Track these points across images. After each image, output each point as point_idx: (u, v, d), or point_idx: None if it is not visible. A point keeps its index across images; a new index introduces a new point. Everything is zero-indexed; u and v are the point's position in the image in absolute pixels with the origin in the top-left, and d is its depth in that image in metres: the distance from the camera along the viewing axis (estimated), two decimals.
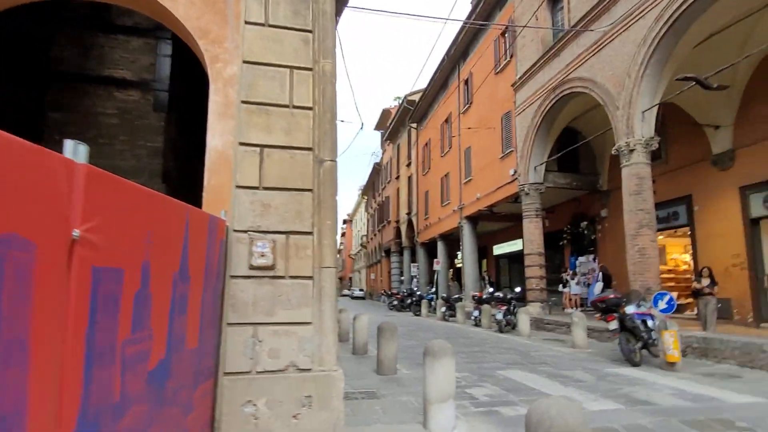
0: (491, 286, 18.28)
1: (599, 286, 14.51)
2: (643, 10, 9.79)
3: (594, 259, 15.90)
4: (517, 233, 21.71)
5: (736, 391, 5.65)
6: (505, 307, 12.83)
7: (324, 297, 4.03)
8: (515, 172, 15.45)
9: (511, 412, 4.88)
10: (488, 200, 17.79)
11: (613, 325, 7.60)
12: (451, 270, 27.68)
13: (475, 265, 20.10)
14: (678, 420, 4.46)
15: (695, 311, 10.19)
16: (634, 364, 7.44)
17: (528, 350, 9.28)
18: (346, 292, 65.98)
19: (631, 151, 10.05)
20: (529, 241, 14.56)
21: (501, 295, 13.01)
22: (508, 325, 13.04)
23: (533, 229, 14.55)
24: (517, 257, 22.70)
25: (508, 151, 16.05)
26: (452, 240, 25.51)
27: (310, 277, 4.01)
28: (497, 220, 20.47)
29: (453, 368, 4.24)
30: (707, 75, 8.57)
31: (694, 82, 8.56)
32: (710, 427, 4.24)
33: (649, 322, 8.03)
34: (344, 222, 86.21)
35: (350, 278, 76.00)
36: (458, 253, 30.01)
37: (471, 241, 20.13)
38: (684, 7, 8.77)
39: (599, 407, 4.96)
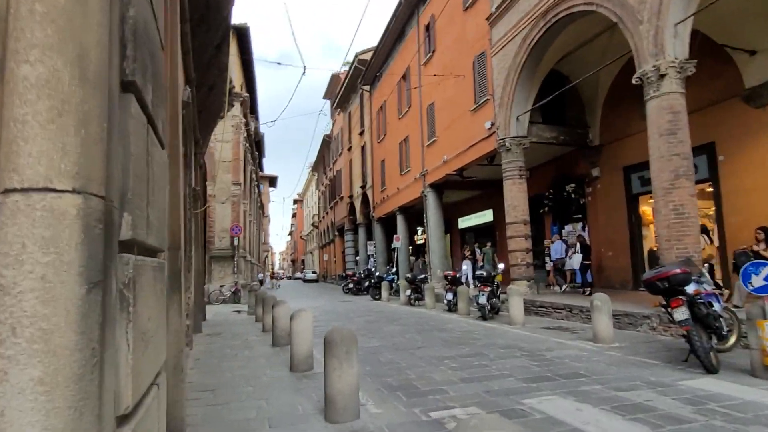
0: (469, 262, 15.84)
1: (577, 258, 12.31)
2: None
3: (583, 227, 13.64)
4: (486, 203, 19.36)
5: None
6: (488, 289, 10.26)
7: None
8: (492, 124, 12.80)
9: None
10: (457, 162, 15.12)
11: (681, 313, 5.06)
12: (410, 248, 25.13)
13: (442, 239, 17.53)
14: None
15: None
16: (712, 370, 4.97)
17: (537, 348, 6.70)
18: (298, 275, 62.78)
19: (661, 77, 7.53)
20: (511, 207, 12.02)
21: (483, 273, 10.44)
22: (493, 310, 10.52)
23: (516, 192, 12.00)
24: (485, 230, 20.39)
25: (483, 100, 13.36)
26: (413, 213, 22.87)
27: None
28: (466, 187, 17.92)
29: None
30: None
31: None
32: None
33: (715, 305, 5.61)
34: (294, 202, 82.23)
35: (302, 260, 72.66)
36: (419, 228, 27.55)
37: (437, 213, 17.51)
38: None
39: None
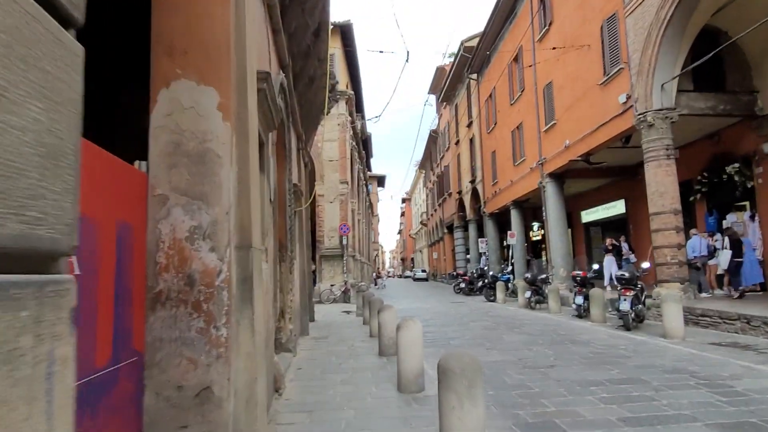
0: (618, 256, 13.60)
1: (726, 256, 9.87)
2: None
3: (752, 217, 11.02)
4: (617, 192, 16.95)
5: None
6: (632, 293, 8.52)
7: None
8: (628, 97, 10.83)
9: None
10: (582, 147, 13.22)
11: None
12: (525, 245, 23.16)
13: (564, 235, 15.62)
14: None
15: None
16: None
17: (716, 375, 5.07)
18: (408, 273, 62.77)
19: None
20: (657, 194, 10.00)
21: (626, 274, 8.70)
22: (637, 319, 8.76)
23: (663, 177, 9.96)
24: (614, 224, 17.95)
25: (615, 70, 11.41)
26: (528, 207, 21.04)
27: None
28: (592, 175, 15.79)
29: None
30: None
31: None
32: None
33: None
34: (403, 201, 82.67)
35: (412, 259, 72.68)
36: (534, 224, 25.42)
37: (557, 205, 15.63)
38: None
39: None
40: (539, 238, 26.26)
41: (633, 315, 8.52)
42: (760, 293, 10.33)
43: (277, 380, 4.75)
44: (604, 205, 18.15)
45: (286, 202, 7.07)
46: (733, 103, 10.61)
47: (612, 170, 15.62)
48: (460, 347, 7.49)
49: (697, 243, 10.93)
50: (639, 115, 10.26)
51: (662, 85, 9.98)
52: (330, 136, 19.11)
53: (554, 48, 13.61)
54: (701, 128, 11.68)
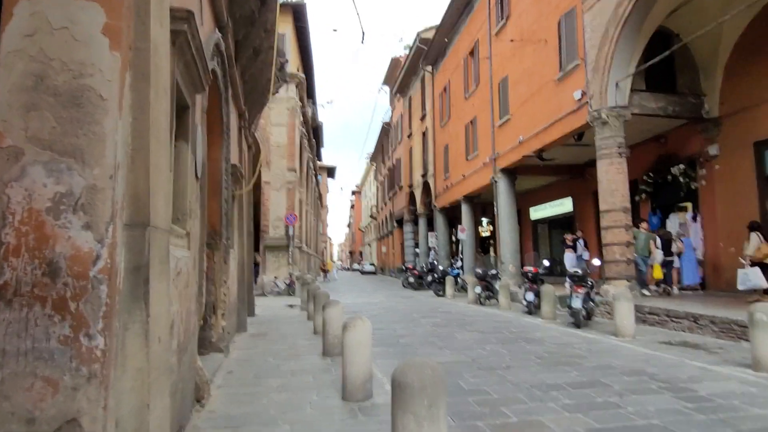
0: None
1: (660, 255, 10.13)
2: None
3: (694, 218, 11.29)
4: (565, 190, 17.17)
5: None
6: (584, 290, 8.39)
7: None
8: (583, 94, 10.75)
9: None
10: (536, 143, 13.14)
11: None
12: (475, 240, 23.19)
13: (514, 231, 15.57)
14: None
15: None
16: None
17: (675, 377, 4.87)
18: (356, 266, 62.31)
19: None
20: (608, 192, 9.97)
21: (579, 271, 8.56)
22: (587, 316, 8.66)
23: (615, 174, 9.93)
24: (561, 222, 18.22)
25: (571, 66, 11.31)
26: (478, 203, 21.01)
27: None
28: (541, 172, 15.86)
29: None
30: None
31: None
32: None
33: None
34: (353, 193, 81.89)
35: (360, 252, 72.28)
36: (483, 219, 25.56)
37: (508, 201, 15.56)
38: None
39: None
40: (488, 234, 26.47)
41: (584, 313, 8.39)
42: (701, 292, 10.58)
43: (199, 388, 4.04)
44: (552, 203, 18.38)
45: (221, 184, 6.29)
46: (682, 105, 10.77)
47: (561, 168, 15.75)
48: (410, 345, 7.01)
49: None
50: (593, 111, 10.19)
51: (617, 82, 9.94)
52: (279, 121, 18.15)
53: (512, 40, 13.39)
54: (649, 129, 11.84)
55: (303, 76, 19.66)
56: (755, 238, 8.93)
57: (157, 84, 2.13)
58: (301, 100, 20.01)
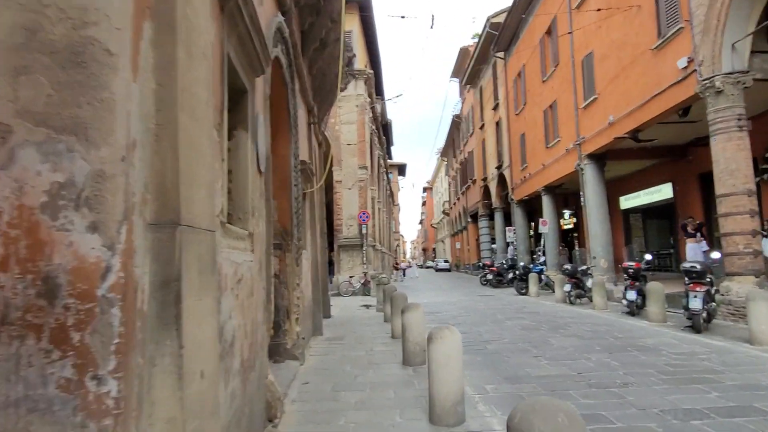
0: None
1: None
2: None
3: None
4: (662, 175, 15.39)
5: None
6: (704, 289, 7.15)
7: None
8: (690, 61, 9.32)
9: None
10: (630, 122, 11.72)
11: None
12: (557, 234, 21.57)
13: (605, 223, 14.12)
14: None
15: None
16: None
17: None
18: (429, 263, 61.51)
19: None
20: (726, 172, 8.53)
21: (698, 266, 7.32)
22: (708, 319, 7.39)
23: (734, 151, 8.47)
24: (658, 210, 16.40)
25: (673, 31, 9.88)
26: (560, 193, 19.51)
27: None
28: (634, 156, 14.24)
29: None
30: None
31: None
32: None
33: None
34: (424, 190, 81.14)
35: (434, 249, 71.42)
36: (566, 211, 23.85)
37: (597, 189, 14.14)
38: None
39: None
40: (571, 226, 24.71)
41: (705, 314, 7.16)
42: None
43: (271, 406, 3.62)
44: (646, 190, 16.58)
45: (291, 181, 5.93)
46: None
47: (659, 150, 14.08)
48: (499, 353, 6.27)
49: None
50: (704, 80, 8.76)
51: (733, 44, 8.47)
52: (348, 119, 17.92)
53: (599, 9, 12.03)
54: None
55: (371, 71, 19.30)
56: None
57: (189, 41, 1.65)
58: (369, 96, 19.68)
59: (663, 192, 15.61)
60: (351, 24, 17.72)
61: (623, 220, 18.72)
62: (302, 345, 6.04)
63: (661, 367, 5.16)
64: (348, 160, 17.79)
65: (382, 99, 25.30)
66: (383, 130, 29.42)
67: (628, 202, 18.09)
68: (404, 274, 36.83)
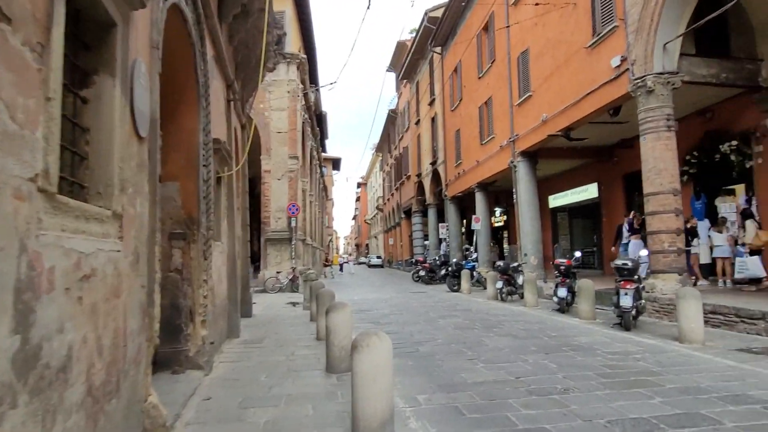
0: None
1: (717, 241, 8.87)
2: None
3: (748, 201, 9.95)
4: (589, 175, 15.83)
5: None
6: (634, 286, 7.11)
7: None
8: (623, 59, 9.40)
9: None
10: (563, 120, 11.79)
11: None
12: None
13: (536, 220, 14.27)
14: None
15: None
16: None
17: None
18: (362, 259, 61.16)
19: None
20: (654, 172, 8.65)
21: (629, 263, 7.27)
22: (637, 316, 7.40)
23: (662, 151, 8.61)
24: (584, 209, 16.90)
25: (607, 29, 9.94)
26: (492, 191, 19.67)
27: None
28: (565, 155, 14.51)
29: None
30: None
31: None
32: None
33: None
34: (358, 186, 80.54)
35: (367, 245, 71.18)
36: (497, 209, 24.24)
37: (529, 187, 14.25)
38: None
39: None
40: (501, 224, 25.19)
41: (634, 312, 7.13)
42: (754, 289, 9.22)
43: None
44: (574, 189, 17.03)
45: (199, 160, 5.07)
46: (736, 72, 9.39)
47: (587, 151, 14.41)
48: (432, 356, 5.79)
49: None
50: (636, 79, 8.83)
51: (664, 45, 8.58)
52: (279, 105, 16.89)
53: (537, 4, 11.99)
54: (693, 102, 10.46)
55: (305, 56, 18.35)
56: (751, 225, 8.89)
57: None
58: (302, 83, 18.72)
59: (589, 191, 16.08)
60: (284, 4, 16.70)
61: (551, 219, 19.19)
62: (210, 351, 5.20)
63: (599, 369, 4.89)
64: (278, 148, 16.77)
65: (317, 89, 24.37)
66: (317, 120, 28.45)
67: (556, 200, 18.56)
68: (342, 269, 36.58)
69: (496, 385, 4.42)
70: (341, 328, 4.99)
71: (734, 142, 9.94)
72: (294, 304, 12.06)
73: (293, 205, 16.38)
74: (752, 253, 8.80)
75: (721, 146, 10.25)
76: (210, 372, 5.02)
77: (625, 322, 7.05)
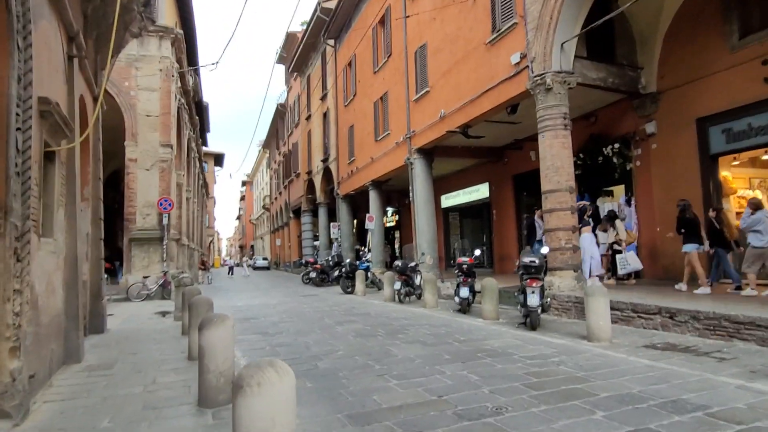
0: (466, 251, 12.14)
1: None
2: None
3: (628, 201, 10.54)
4: (479, 176, 16.10)
5: None
6: (539, 284, 6.88)
7: None
8: (523, 57, 9.35)
9: None
10: (461, 117, 11.61)
11: None
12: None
13: (432, 219, 14.03)
14: None
15: None
16: None
17: (719, 403, 3.34)
18: (248, 261, 57.75)
19: None
20: (552, 170, 8.66)
21: (536, 261, 7.02)
22: (543, 313, 7.20)
23: (559, 149, 8.65)
24: (475, 209, 17.20)
25: (507, 26, 9.86)
26: (386, 190, 19.30)
27: None
28: (460, 154, 14.50)
29: None
30: None
31: None
32: None
33: None
34: (243, 184, 76.28)
35: (252, 246, 67.58)
36: (389, 208, 24.01)
37: (426, 185, 13.99)
38: None
39: None
40: (393, 224, 25.04)
41: (540, 310, 6.90)
42: (633, 281, 9.76)
43: None
44: (465, 189, 17.26)
45: (11, 122, 3.56)
46: (620, 77, 9.89)
47: (480, 151, 14.56)
48: (334, 373, 4.85)
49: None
50: (536, 76, 8.79)
51: (562, 44, 8.64)
52: (148, 84, 14.64)
53: None
54: (580, 105, 10.85)
55: (181, 32, 16.22)
56: (620, 224, 9.71)
57: None
58: (179, 62, 16.56)
59: (481, 191, 16.35)
60: None
61: (444, 218, 19.33)
62: (25, 390, 3.69)
63: (525, 379, 4.36)
64: (147, 134, 14.52)
65: (197, 72, 22.01)
66: (197, 109, 25.83)
67: (448, 200, 18.71)
68: (232, 272, 33.82)
69: (417, 410, 3.62)
70: (220, 348, 3.83)
71: (616, 145, 10.48)
72: (164, 314, 10.27)
73: (165, 200, 14.27)
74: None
75: (604, 149, 10.77)
76: (24, 419, 3.54)
77: (533, 321, 6.78)
